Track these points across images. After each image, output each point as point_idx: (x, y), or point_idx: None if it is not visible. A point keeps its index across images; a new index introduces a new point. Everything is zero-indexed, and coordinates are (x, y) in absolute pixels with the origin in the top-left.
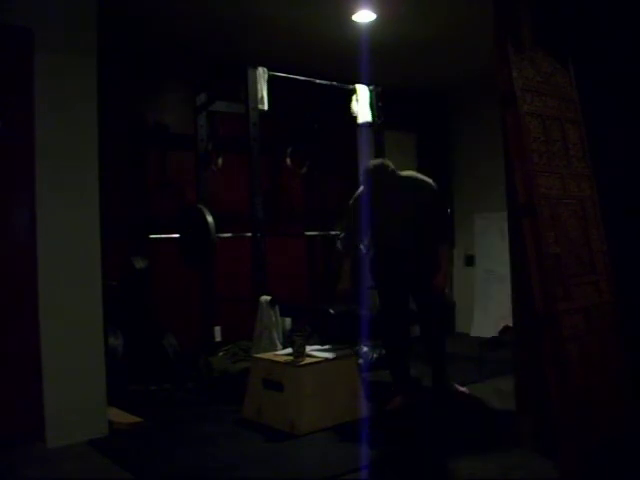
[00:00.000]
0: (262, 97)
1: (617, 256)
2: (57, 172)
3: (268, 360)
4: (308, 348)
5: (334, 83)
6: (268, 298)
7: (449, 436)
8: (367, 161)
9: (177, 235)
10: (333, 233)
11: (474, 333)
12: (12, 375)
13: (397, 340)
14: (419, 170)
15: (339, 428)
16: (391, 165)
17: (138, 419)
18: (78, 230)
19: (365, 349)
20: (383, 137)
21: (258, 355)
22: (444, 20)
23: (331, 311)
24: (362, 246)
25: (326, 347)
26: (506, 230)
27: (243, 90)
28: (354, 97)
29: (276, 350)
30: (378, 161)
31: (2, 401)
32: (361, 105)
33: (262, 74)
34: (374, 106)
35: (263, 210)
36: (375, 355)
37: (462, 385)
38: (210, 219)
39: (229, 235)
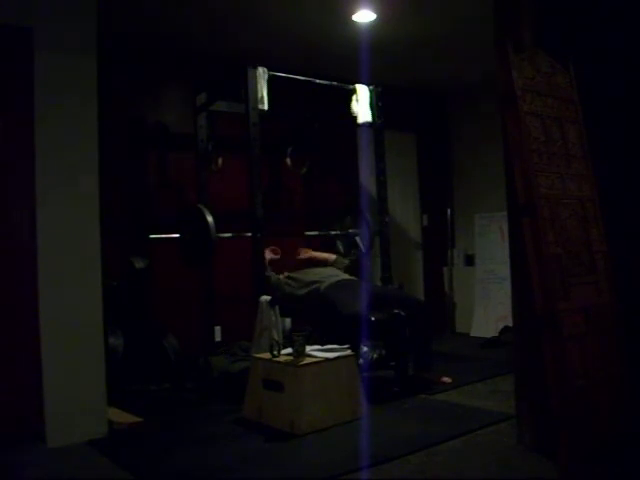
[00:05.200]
0: (262, 97)
1: (617, 256)
2: (57, 172)
3: (268, 360)
4: (308, 348)
5: (334, 83)
6: (268, 298)
7: None
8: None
9: (177, 235)
10: (333, 233)
11: (474, 333)
12: (12, 375)
13: None
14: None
15: (339, 428)
16: None
17: (138, 419)
18: (78, 230)
19: (365, 349)
20: (383, 137)
21: (258, 355)
22: (444, 20)
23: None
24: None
25: (326, 347)
26: (506, 230)
27: (243, 90)
28: (354, 97)
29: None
30: None
31: (2, 401)
32: (361, 105)
33: (262, 74)
34: (374, 106)
35: (263, 210)
36: (375, 355)
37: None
38: (210, 219)
39: (229, 235)
